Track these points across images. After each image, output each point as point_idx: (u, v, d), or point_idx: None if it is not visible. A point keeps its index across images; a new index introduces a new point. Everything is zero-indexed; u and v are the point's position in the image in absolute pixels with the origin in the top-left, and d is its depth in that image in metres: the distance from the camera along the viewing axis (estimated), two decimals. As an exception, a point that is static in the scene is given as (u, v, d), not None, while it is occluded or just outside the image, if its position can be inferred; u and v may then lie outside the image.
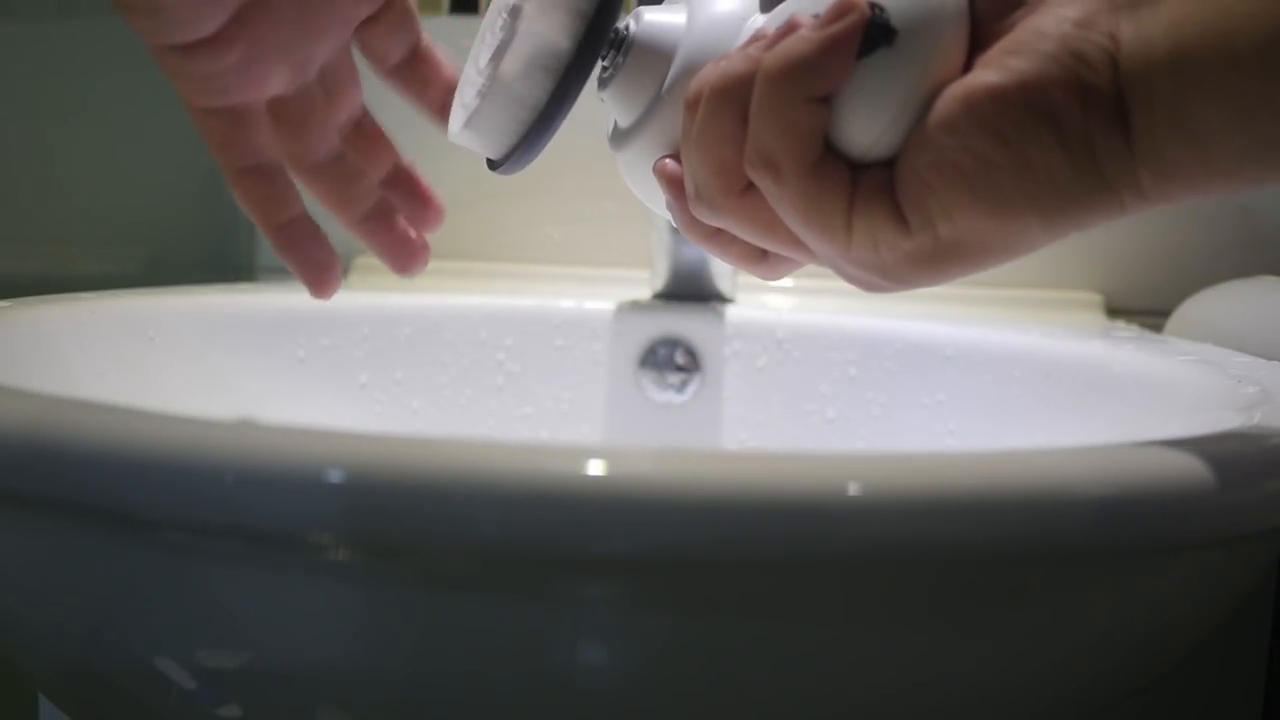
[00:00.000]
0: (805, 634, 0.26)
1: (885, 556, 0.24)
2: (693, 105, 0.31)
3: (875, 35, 0.27)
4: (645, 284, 0.63)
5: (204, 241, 0.79)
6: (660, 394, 0.60)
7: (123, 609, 0.28)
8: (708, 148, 0.30)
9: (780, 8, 0.33)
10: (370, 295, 0.62)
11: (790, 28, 0.29)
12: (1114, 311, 0.69)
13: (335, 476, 0.23)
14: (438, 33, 0.75)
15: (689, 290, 0.62)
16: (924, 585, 0.25)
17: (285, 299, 0.59)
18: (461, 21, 0.75)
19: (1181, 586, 0.29)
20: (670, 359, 0.60)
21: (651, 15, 0.35)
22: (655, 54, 0.35)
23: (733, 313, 0.60)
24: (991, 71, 0.26)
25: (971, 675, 0.28)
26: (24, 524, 0.27)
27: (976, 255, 0.28)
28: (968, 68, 0.27)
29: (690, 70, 0.33)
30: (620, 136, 0.38)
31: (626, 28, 0.35)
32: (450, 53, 0.75)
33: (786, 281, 0.69)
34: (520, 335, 0.61)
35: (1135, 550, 0.26)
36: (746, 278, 0.65)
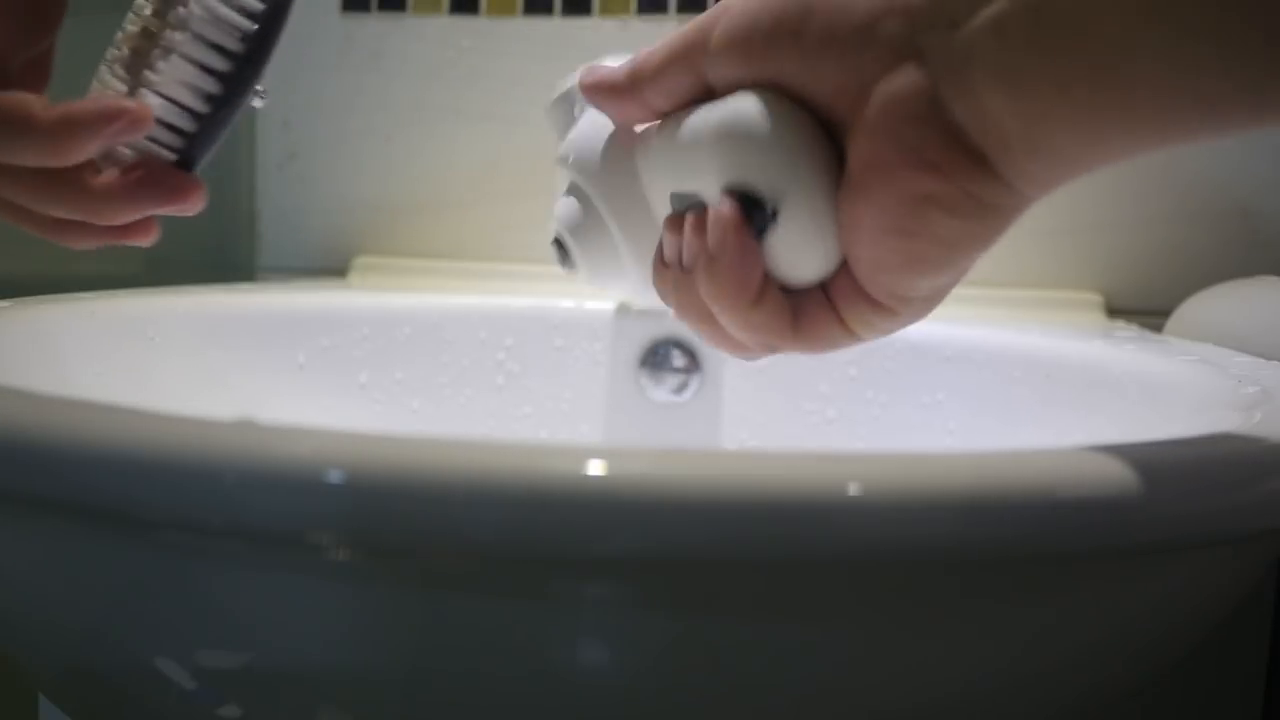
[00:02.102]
0: (805, 634, 0.26)
1: (885, 556, 0.24)
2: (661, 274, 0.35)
3: (760, 223, 0.30)
4: (645, 284, 0.63)
5: (204, 241, 0.79)
6: (660, 394, 0.60)
7: (123, 609, 0.28)
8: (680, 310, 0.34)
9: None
10: (370, 295, 0.62)
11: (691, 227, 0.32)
12: (1114, 311, 0.69)
13: (335, 476, 0.23)
14: (437, 33, 0.76)
15: (689, 290, 0.61)
16: (924, 585, 0.25)
17: (285, 299, 0.59)
18: (462, 21, 0.75)
19: (1181, 586, 0.29)
20: (670, 359, 0.60)
21: (564, 217, 0.42)
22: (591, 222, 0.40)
23: (733, 313, 0.60)
24: (858, 187, 0.28)
25: (971, 675, 0.28)
26: (24, 524, 0.27)
27: (952, 285, 0.31)
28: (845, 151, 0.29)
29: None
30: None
31: (559, 241, 0.42)
32: (450, 52, 0.75)
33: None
34: (520, 335, 0.61)
35: (1135, 550, 0.26)
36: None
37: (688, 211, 0.32)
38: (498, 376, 0.61)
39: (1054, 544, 0.24)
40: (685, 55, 0.32)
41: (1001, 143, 0.26)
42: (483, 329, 0.61)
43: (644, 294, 0.38)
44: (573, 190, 0.40)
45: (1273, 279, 0.58)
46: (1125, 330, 0.59)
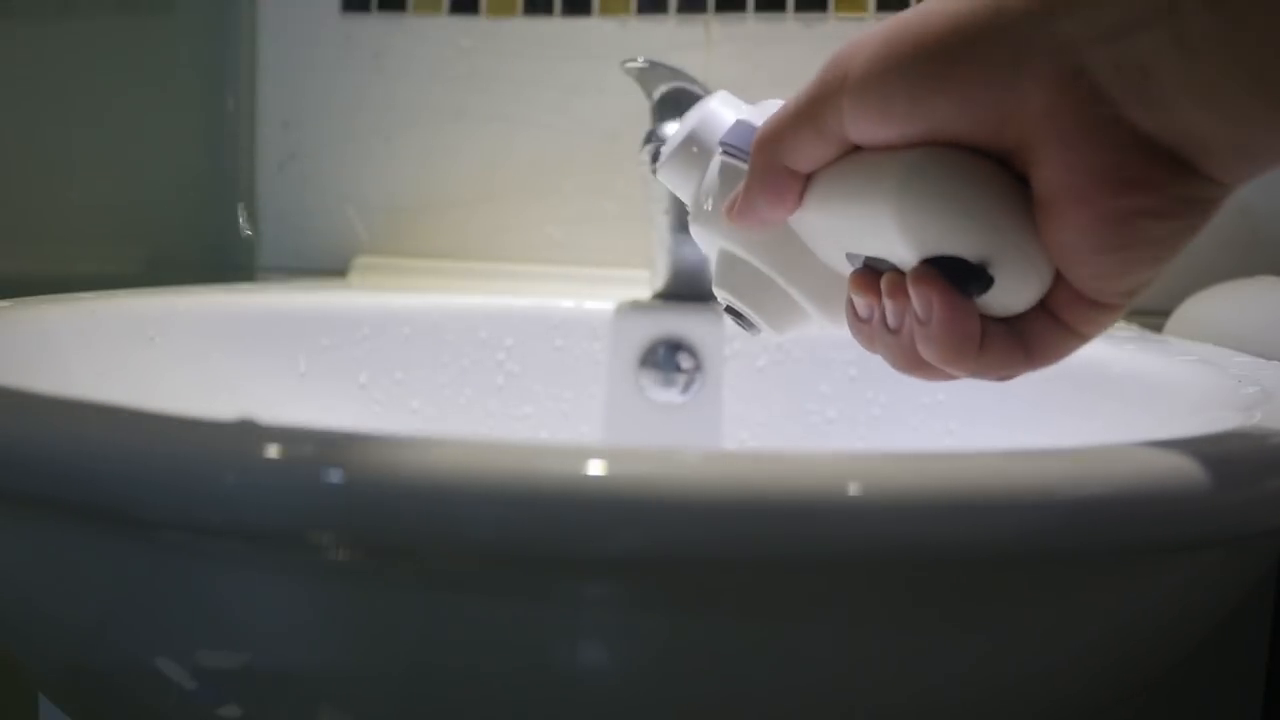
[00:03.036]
0: (805, 634, 0.26)
1: (885, 556, 0.24)
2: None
3: (971, 286, 0.28)
4: (645, 284, 0.63)
5: (204, 241, 0.79)
6: (660, 394, 0.60)
7: (123, 609, 0.27)
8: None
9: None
10: (370, 295, 0.62)
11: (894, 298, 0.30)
12: (1114, 311, 0.69)
13: (335, 476, 0.23)
14: (437, 33, 0.76)
15: (689, 290, 0.61)
16: (924, 585, 0.25)
17: (285, 299, 0.59)
18: (461, 22, 0.75)
19: (1181, 586, 0.29)
20: (670, 359, 0.60)
21: (729, 286, 0.36)
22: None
23: (733, 313, 0.60)
24: (1058, 216, 0.27)
25: (971, 675, 0.28)
26: (24, 524, 0.27)
27: (1172, 258, 0.29)
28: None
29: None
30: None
31: (730, 308, 0.37)
32: (450, 52, 0.75)
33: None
34: (520, 335, 0.61)
35: (1135, 550, 0.26)
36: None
37: (875, 270, 0.30)
38: (498, 376, 0.61)
39: (1054, 544, 0.24)
40: (814, 121, 0.30)
41: (1203, 149, 0.25)
42: (483, 329, 0.61)
43: (836, 328, 0.35)
44: (723, 256, 0.36)
45: (1273, 279, 0.58)
46: (1125, 330, 0.59)
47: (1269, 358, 0.44)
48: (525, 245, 0.75)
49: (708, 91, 0.59)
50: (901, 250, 0.28)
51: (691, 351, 0.60)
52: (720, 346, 0.60)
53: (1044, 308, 0.29)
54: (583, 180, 0.74)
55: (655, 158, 0.56)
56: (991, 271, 0.27)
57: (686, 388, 0.60)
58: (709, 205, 0.34)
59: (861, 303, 0.31)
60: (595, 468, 0.23)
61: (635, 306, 0.61)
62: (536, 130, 0.74)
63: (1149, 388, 0.44)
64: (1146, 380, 0.45)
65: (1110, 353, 0.48)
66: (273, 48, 0.78)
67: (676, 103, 0.59)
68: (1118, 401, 0.46)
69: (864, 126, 0.28)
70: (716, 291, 0.36)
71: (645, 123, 0.60)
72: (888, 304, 0.30)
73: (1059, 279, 0.28)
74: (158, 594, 0.26)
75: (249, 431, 0.24)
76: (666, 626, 0.25)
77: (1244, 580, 0.33)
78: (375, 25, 0.76)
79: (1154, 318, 0.63)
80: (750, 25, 0.70)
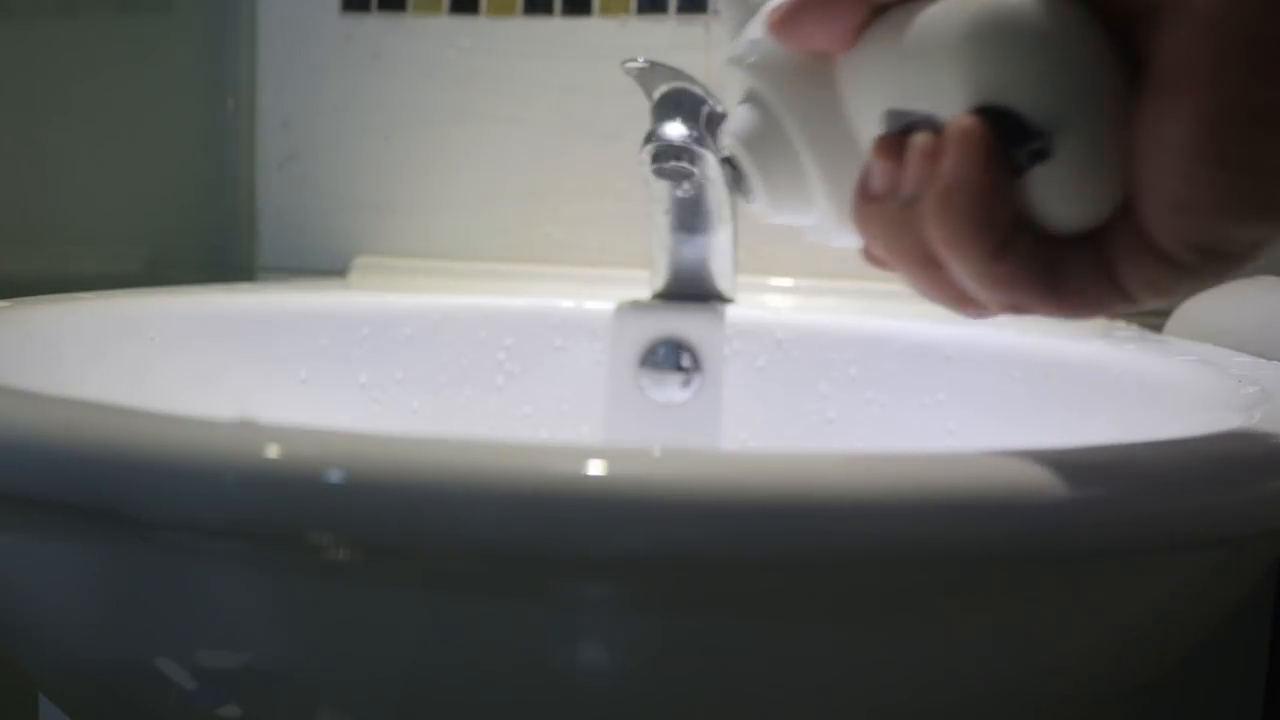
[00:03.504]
0: (805, 634, 0.26)
1: (885, 556, 0.24)
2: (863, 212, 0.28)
3: (1021, 155, 0.23)
4: (645, 284, 0.63)
5: (204, 241, 0.79)
6: (660, 394, 0.60)
7: (122, 609, 0.27)
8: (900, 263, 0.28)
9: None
10: (370, 295, 0.62)
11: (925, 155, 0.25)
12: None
13: (335, 476, 0.23)
14: (437, 33, 0.76)
15: (689, 290, 0.61)
16: (924, 585, 0.25)
17: (285, 299, 0.59)
18: (461, 21, 0.75)
19: (1181, 586, 0.29)
20: (670, 359, 0.60)
21: (741, 130, 0.32)
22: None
23: (733, 313, 0.60)
24: (1166, 102, 0.22)
25: (971, 675, 0.28)
26: (24, 524, 0.27)
27: (1275, 238, 0.24)
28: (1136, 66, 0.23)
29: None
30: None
31: (732, 160, 0.32)
32: (450, 52, 0.75)
33: (786, 281, 0.69)
34: (520, 335, 0.61)
35: (1135, 550, 0.26)
36: (746, 277, 0.65)
37: (911, 132, 0.26)
38: (498, 376, 0.61)
39: (1054, 544, 0.24)
40: None
41: None
42: (483, 329, 0.61)
43: (835, 231, 0.32)
44: (751, 98, 0.31)
45: (1272, 279, 0.58)
46: (1125, 330, 0.59)
47: (1269, 358, 0.44)
48: (525, 245, 0.75)
49: (708, 92, 0.59)
50: (952, 94, 0.24)
51: (691, 351, 0.60)
52: (720, 346, 0.60)
53: (1092, 240, 0.24)
54: (583, 180, 0.74)
55: (655, 158, 0.56)
56: (1052, 145, 0.23)
57: (686, 388, 0.60)
58: (753, 34, 0.30)
59: (881, 169, 0.27)
60: (595, 468, 0.23)
61: (635, 306, 0.61)
62: (536, 130, 0.74)
63: (1149, 388, 0.44)
64: (1146, 380, 0.45)
65: (1110, 353, 0.48)
66: (273, 48, 0.78)
67: (676, 103, 0.59)
68: (1118, 401, 0.46)
69: None
70: (725, 139, 0.32)
71: (645, 123, 0.60)
72: (913, 166, 0.25)
73: (1124, 213, 0.24)
74: (157, 594, 0.26)
75: (249, 431, 0.24)
76: (666, 626, 0.25)
77: (1244, 580, 0.33)
78: (375, 25, 0.76)
79: (1154, 318, 0.63)
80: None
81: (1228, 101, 0.21)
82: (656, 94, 0.60)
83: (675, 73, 0.59)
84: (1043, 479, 0.24)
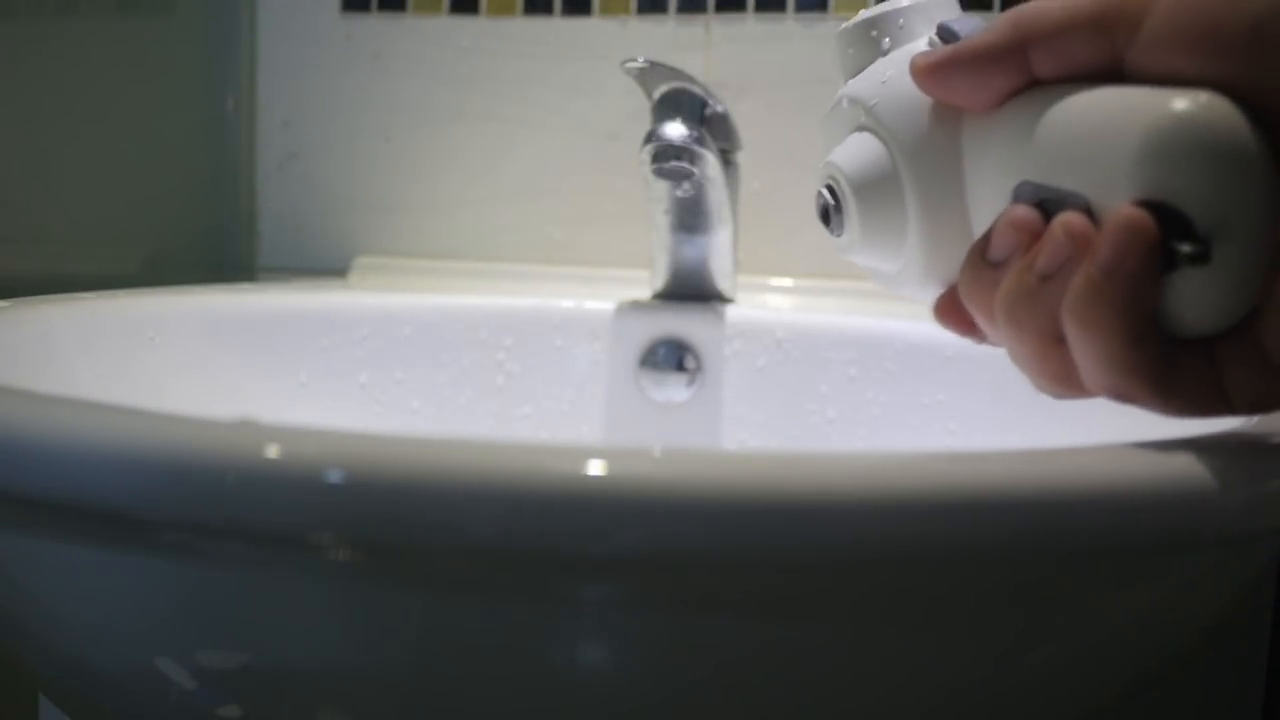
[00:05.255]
0: (805, 634, 0.26)
1: (885, 557, 0.24)
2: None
3: (1177, 253, 0.24)
4: (645, 284, 0.63)
5: (204, 241, 0.79)
6: (660, 394, 0.60)
7: (123, 609, 0.28)
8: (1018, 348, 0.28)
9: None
10: (370, 295, 0.62)
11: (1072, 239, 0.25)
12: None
13: (335, 476, 0.23)
14: (437, 32, 0.75)
15: (689, 290, 0.61)
16: (923, 586, 0.25)
17: (285, 299, 0.59)
18: (462, 21, 0.75)
19: (1181, 586, 0.29)
20: (670, 359, 0.60)
21: (850, 164, 0.31)
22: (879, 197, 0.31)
23: (733, 313, 0.60)
24: None
25: (970, 675, 0.28)
26: (24, 524, 0.27)
27: None
28: None
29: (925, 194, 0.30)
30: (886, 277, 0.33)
31: (831, 190, 0.32)
32: (450, 52, 0.75)
33: (786, 281, 0.69)
34: (520, 335, 0.61)
35: (1136, 550, 0.26)
36: (746, 277, 0.65)
37: (1045, 207, 0.26)
38: (498, 376, 0.61)
39: (1054, 544, 0.24)
40: (1101, 24, 0.25)
41: None
42: (483, 329, 0.61)
43: (917, 284, 0.31)
44: (868, 136, 0.31)
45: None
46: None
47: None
48: (525, 245, 0.75)
49: (708, 92, 0.59)
50: (1120, 182, 0.24)
51: (691, 351, 0.60)
52: (720, 346, 0.60)
53: (1206, 346, 0.25)
54: (583, 180, 0.74)
55: (655, 158, 0.56)
56: (1211, 251, 0.23)
57: (686, 388, 0.60)
58: (881, 76, 0.30)
59: (1009, 239, 0.27)
60: (595, 468, 0.23)
61: (635, 306, 0.61)
62: (536, 130, 0.74)
63: (1149, 388, 0.44)
64: (1146, 380, 0.45)
65: (1110, 353, 0.48)
66: (273, 48, 0.78)
67: (676, 103, 0.59)
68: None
69: (1163, 50, 0.24)
70: (830, 165, 0.31)
71: (645, 123, 0.60)
72: (1056, 243, 0.25)
73: (1244, 326, 0.24)
74: (158, 594, 0.26)
75: (249, 431, 0.24)
76: (667, 626, 0.25)
77: (1244, 580, 0.33)
78: (375, 25, 0.76)
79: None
80: (750, 25, 0.70)
81: None
82: (656, 94, 0.60)
83: (675, 73, 0.59)
84: (1042, 479, 0.24)
